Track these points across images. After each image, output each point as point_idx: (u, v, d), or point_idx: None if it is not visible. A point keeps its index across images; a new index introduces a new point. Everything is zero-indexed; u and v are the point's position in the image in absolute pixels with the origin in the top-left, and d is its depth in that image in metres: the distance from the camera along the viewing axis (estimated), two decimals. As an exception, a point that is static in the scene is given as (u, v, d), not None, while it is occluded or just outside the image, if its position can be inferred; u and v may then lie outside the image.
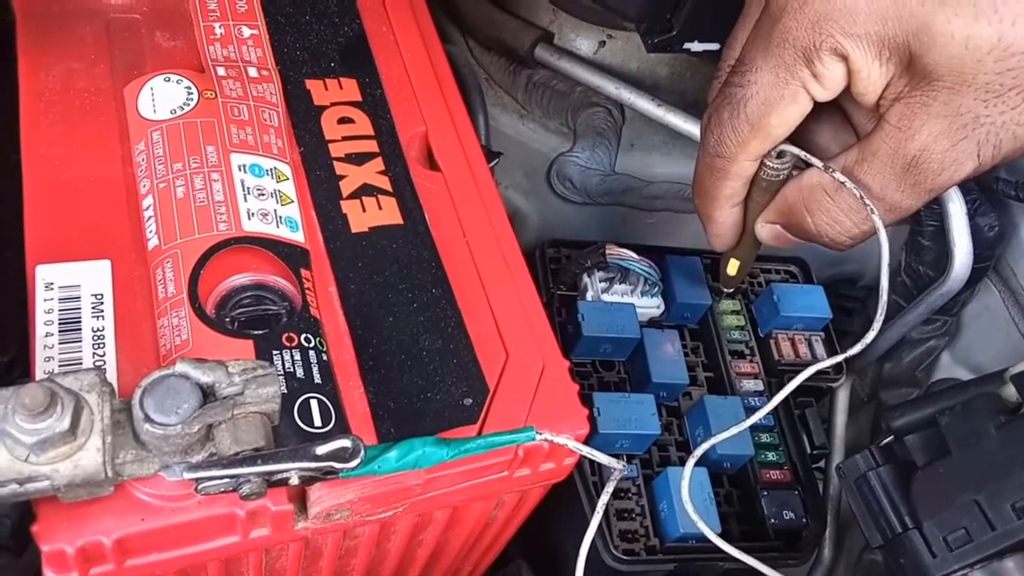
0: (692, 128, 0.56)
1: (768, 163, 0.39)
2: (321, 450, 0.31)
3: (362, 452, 0.31)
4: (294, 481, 0.31)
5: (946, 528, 0.37)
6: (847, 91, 0.36)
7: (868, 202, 0.37)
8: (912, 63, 0.34)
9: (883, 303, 0.39)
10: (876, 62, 0.34)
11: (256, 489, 0.31)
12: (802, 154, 0.38)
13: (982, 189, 0.56)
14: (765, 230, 0.42)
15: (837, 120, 0.41)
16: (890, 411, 0.42)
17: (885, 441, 0.42)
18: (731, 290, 0.53)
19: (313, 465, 0.31)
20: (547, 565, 0.53)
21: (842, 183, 0.37)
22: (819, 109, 0.37)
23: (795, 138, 0.38)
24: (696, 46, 0.52)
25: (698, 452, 0.43)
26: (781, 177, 0.40)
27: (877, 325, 0.39)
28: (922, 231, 0.59)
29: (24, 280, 0.36)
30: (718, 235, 0.44)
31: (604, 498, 0.40)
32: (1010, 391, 0.40)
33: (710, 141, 0.39)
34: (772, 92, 0.36)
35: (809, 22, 0.34)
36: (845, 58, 0.34)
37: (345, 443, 0.31)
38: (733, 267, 0.47)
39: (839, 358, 0.42)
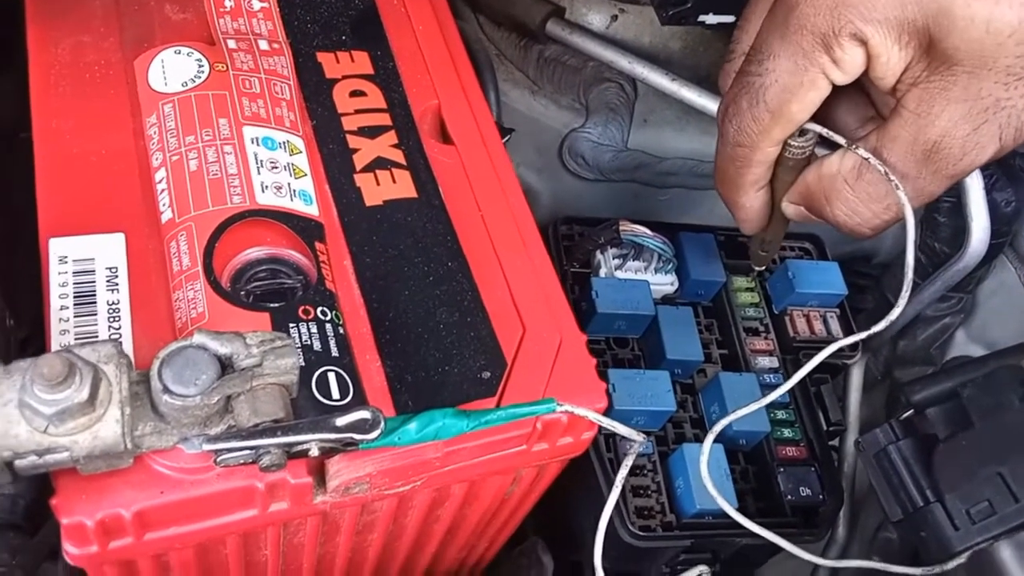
0: (706, 102, 0.56)
1: (791, 143, 0.38)
2: (341, 421, 0.31)
3: (382, 423, 0.31)
4: (314, 453, 0.31)
5: (969, 501, 0.37)
6: (865, 72, 0.36)
7: (893, 178, 0.36)
8: (931, 47, 0.33)
9: (908, 280, 0.39)
10: (896, 46, 0.34)
11: (276, 460, 0.30)
12: (825, 132, 0.38)
13: (999, 164, 0.55)
14: (790, 209, 0.42)
15: (856, 96, 0.40)
16: (910, 385, 0.42)
17: (905, 415, 0.42)
18: (762, 267, 0.53)
19: (333, 436, 0.31)
20: (562, 542, 0.53)
21: (866, 159, 0.37)
22: (838, 88, 0.37)
23: (815, 117, 0.38)
24: (711, 19, 0.51)
25: (717, 428, 0.43)
26: (805, 154, 0.39)
27: (902, 302, 0.38)
28: (938, 207, 0.58)
29: (38, 260, 0.36)
30: (747, 220, 0.43)
31: (623, 472, 0.39)
32: (1033, 363, 0.39)
33: (730, 131, 0.39)
34: (791, 79, 0.35)
35: (827, 8, 0.33)
36: (865, 43, 0.34)
37: (365, 414, 0.31)
38: (763, 244, 0.47)
39: (862, 335, 0.42)
